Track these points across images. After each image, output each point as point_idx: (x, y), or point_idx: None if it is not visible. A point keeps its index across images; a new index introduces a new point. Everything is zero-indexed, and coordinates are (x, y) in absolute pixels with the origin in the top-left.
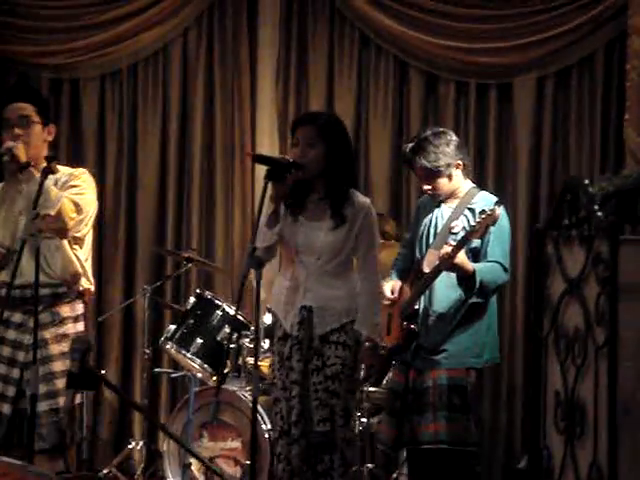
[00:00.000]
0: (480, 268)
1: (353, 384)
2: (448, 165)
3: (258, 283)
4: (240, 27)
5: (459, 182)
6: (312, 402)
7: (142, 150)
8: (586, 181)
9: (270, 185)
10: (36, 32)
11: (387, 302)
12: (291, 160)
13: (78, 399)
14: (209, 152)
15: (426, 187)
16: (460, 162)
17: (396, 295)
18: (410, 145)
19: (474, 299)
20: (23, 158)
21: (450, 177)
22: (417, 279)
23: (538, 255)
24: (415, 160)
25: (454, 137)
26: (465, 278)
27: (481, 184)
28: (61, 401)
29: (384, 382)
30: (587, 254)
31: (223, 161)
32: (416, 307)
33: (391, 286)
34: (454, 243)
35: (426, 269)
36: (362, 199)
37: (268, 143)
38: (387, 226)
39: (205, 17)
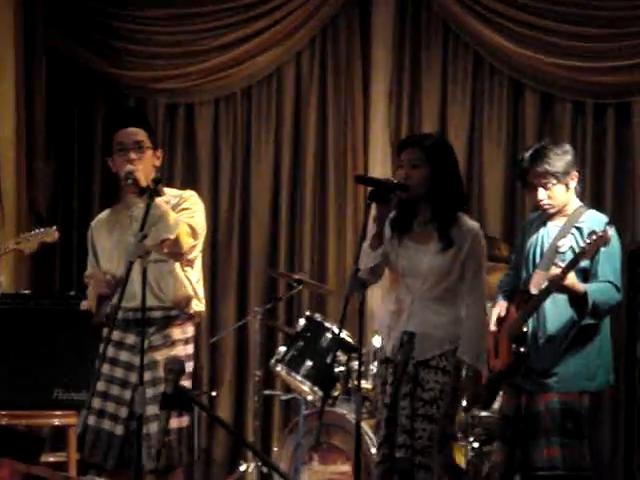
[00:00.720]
0: (592, 289)
1: (451, 410)
2: (567, 173)
3: (361, 305)
4: (353, 49)
5: (572, 196)
6: (397, 427)
7: (255, 172)
8: None
9: (374, 206)
10: (152, 58)
11: (494, 328)
12: (395, 181)
13: (186, 422)
14: (322, 174)
15: (541, 196)
16: (576, 174)
17: (503, 313)
18: (528, 153)
19: (587, 320)
20: (144, 182)
21: (567, 187)
22: (524, 301)
23: (631, 275)
24: (534, 166)
25: (572, 150)
26: (577, 299)
27: (599, 206)
28: (172, 422)
29: (494, 407)
30: None
31: (336, 183)
32: (524, 329)
33: (499, 309)
34: (561, 263)
35: (533, 290)
36: (470, 223)
37: (381, 165)
38: (499, 249)
39: (318, 39)
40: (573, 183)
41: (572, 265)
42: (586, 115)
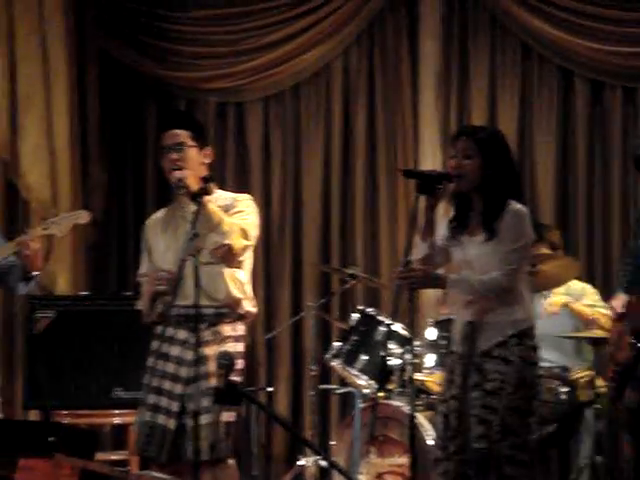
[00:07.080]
0: None
1: (516, 401)
2: None
3: (411, 297)
4: (401, 43)
5: None
6: (470, 418)
7: (306, 169)
8: None
9: (422, 198)
10: (202, 58)
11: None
12: (441, 172)
13: (233, 416)
14: (372, 168)
15: None
16: None
17: (619, 309)
18: None
19: None
20: (194, 186)
21: None
22: None
23: None
24: None
25: None
26: None
27: None
28: (222, 415)
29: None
30: None
31: (386, 177)
32: None
33: (618, 302)
34: None
35: None
36: (512, 206)
37: (431, 158)
38: (553, 236)
39: (365, 34)
40: None
41: None
42: (637, 100)
